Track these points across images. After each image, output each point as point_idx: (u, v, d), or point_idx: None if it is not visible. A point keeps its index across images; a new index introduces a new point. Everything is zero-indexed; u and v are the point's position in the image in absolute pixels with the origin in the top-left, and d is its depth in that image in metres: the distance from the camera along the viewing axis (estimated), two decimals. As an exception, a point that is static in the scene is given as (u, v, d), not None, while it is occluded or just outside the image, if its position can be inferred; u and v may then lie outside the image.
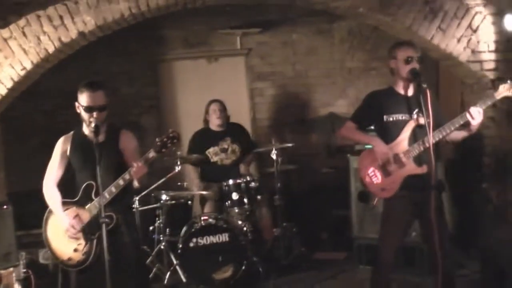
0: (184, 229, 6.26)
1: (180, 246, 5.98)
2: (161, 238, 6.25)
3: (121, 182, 4.20)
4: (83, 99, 4.28)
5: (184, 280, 5.99)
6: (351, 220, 6.37)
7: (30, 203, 5.84)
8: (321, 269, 6.34)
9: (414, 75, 4.46)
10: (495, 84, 5.91)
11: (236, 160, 6.75)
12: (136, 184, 4.34)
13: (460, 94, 6.76)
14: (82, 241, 4.30)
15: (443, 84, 7.00)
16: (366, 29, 7.99)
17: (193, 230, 6.00)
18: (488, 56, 6.07)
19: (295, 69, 8.05)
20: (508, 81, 4.42)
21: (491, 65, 6.08)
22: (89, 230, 4.28)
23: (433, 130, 4.37)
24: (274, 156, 6.29)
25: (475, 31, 6.03)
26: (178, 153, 6.18)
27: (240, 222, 6.29)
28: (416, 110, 4.51)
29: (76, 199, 4.34)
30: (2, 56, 5.71)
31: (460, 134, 4.53)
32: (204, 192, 6.47)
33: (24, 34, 5.68)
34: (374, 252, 4.95)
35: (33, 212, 5.74)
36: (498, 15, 6.01)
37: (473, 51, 6.05)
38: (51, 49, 5.72)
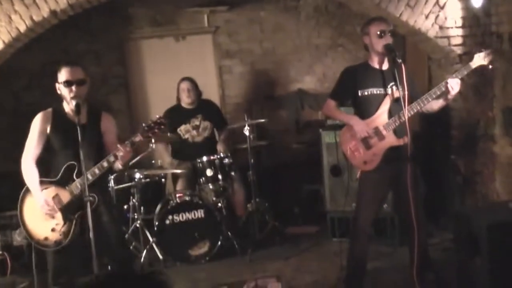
0: (159, 206, 6.30)
1: (156, 223, 6.03)
2: (136, 217, 6.26)
3: (105, 164, 4.23)
4: (62, 75, 4.29)
5: (160, 257, 6.03)
6: (324, 194, 6.46)
7: (0, 185, 5.81)
8: (295, 243, 6.46)
9: (388, 49, 4.56)
10: (462, 58, 6.12)
11: (207, 137, 6.78)
12: (119, 166, 4.34)
13: (427, 69, 6.90)
14: (61, 221, 4.29)
15: (410, 59, 7.12)
16: (332, 6, 8.05)
17: (168, 207, 6.06)
18: (455, 32, 6.21)
19: (263, 47, 8.06)
20: (483, 50, 4.59)
21: (458, 41, 6.22)
22: (68, 210, 4.27)
23: (409, 103, 4.50)
24: (247, 132, 6.32)
25: (442, 7, 6.15)
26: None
27: (214, 199, 6.36)
28: (391, 84, 4.62)
29: (57, 178, 4.31)
30: (-28, 36, 5.61)
31: (436, 104, 4.67)
32: (178, 171, 6.51)
33: (-6, 13, 5.59)
34: (351, 224, 5.07)
35: (4, 194, 5.71)
36: (465, -9, 6.16)
37: (440, 27, 6.18)
38: (22, 28, 5.64)
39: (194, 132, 6.72)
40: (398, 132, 4.57)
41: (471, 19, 6.21)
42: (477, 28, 6.23)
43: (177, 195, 6.20)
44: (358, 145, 4.64)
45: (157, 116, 4.33)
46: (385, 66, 4.71)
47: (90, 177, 4.18)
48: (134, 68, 7.89)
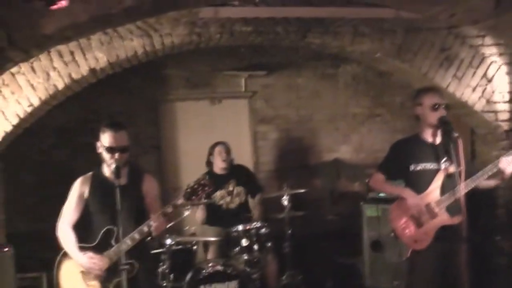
0: (190, 274, 6.02)
1: (187, 292, 5.76)
2: (165, 284, 5.98)
3: (145, 229, 4.05)
4: (105, 139, 4.13)
5: (190, 328, 5.73)
6: (363, 269, 6.21)
7: (25, 244, 5.62)
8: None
9: (444, 123, 4.38)
10: (509, 134, 5.92)
11: (241, 203, 6.58)
12: (154, 233, 4.17)
13: (469, 144, 6.69)
14: (98, 288, 4.09)
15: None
16: (371, 75, 7.96)
17: (200, 276, 5.78)
18: (503, 107, 6.07)
19: (299, 113, 7.94)
20: None
21: (506, 116, 6.08)
22: (107, 278, 4.07)
23: (465, 179, 4.29)
24: (285, 202, 6.12)
25: (490, 80, 6.02)
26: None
27: (248, 269, 6.10)
28: (445, 159, 4.41)
29: (94, 243, 4.13)
30: (8, 91, 5.51)
31: (491, 182, 4.45)
32: (210, 238, 6.27)
33: (32, 69, 5.50)
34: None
35: (29, 254, 5.52)
36: (513, 65, 6.02)
37: (487, 101, 6.03)
38: (60, 86, 5.56)
39: (228, 198, 6.51)
40: (451, 210, 4.35)
41: (520, 94, 6.06)
42: (525, 104, 6.07)
43: (210, 264, 5.93)
44: (409, 222, 4.42)
45: (201, 177, 4.15)
46: (438, 140, 4.51)
47: (129, 242, 4.00)
48: (167, 129, 7.75)
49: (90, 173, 4.33)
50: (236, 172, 6.62)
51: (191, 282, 5.85)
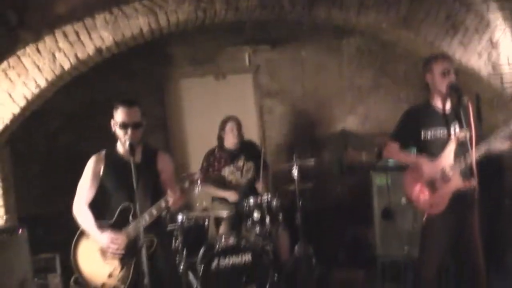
0: (203, 249, 6.07)
1: (202, 267, 5.79)
2: (179, 260, 6.04)
3: (162, 204, 4.07)
4: (118, 115, 4.14)
5: (206, 302, 5.79)
6: (374, 238, 6.26)
7: (36, 227, 5.65)
8: (344, 288, 6.22)
9: (454, 89, 4.40)
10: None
11: (250, 178, 6.61)
12: (171, 208, 4.20)
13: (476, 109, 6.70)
14: (118, 266, 4.12)
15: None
16: (375, 46, 7.95)
17: (214, 250, 5.83)
18: (508, 71, 6.05)
19: (304, 87, 7.95)
20: None
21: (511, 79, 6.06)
22: (126, 255, 4.10)
23: (476, 143, 4.31)
24: (295, 174, 6.15)
25: (495, 45, 6.01)
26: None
27: (260, 242, 6.15)
28: (455, 124, 4.44)
29: (111, 221, 4.15)
30: (15, 73, 5.48)
31: (504, 146, 4.46)
32: (222, 213, 6.31)
33: (38, 50, 5.45)
34: (415, 271, 4.86)
35: (41, 236, 5.55)
36: (518, 29, 6.02)
37: (493, 66, 6.03)
38: (66, 66, 5.52)
39: (238, 174, 6.54)
40: (465, 174, 4.38)
41: (525, 58, 6.07)
42: (531, 66, 6.09)
43: (223, 238, 5.98)
44: (424, 188, 4.45)
45: (216, 150, 4.17)
46: (448, 106, 4.53)
47: (147, 218, 4.03)
48: (173, 108, 7.76)
49: (103, 151, 4.33)
50: (246, 148, 6.63)
51: (204, 256, 5.90)
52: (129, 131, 4.09)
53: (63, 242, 6.35)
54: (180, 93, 7.82)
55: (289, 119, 7.93)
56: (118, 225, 4.14)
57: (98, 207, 4.31)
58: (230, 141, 6.52)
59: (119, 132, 4.15)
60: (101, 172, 4.24)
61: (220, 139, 6.61)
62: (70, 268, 5.93)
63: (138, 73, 7.51)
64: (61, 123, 7.36)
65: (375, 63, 8.02)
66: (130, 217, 4.10)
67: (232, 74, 7.89)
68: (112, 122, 4.19)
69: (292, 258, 6.37)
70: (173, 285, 4.37)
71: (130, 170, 3.89)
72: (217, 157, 4.12)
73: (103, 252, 4.17)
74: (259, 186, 6.55)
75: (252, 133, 7.48)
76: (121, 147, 4.22)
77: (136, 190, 3.84)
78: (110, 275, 4.13)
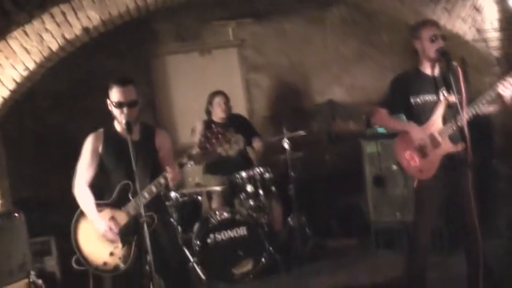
0: (197, 225, 6.14)
1: (197, 243, 5.86)
2: (175, 236, 6.09)
3: (162, 180, 4.08)
4: (113, 95, 4.13)
5: (203, 277, 5.86)
6: (367, 205, 6.34)
7: (29, 210, 5.66)
8: (339, 257, 6.32)
9: (442, 54, 4.43)
10: (499, 61, 6.01)
11: (240, 150, 6.65)
12: (170, 184, 4.21)
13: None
14: (119, 244, 4.14)
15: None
16: (358, 17, 7.96)
17: (210, 225, 5.89)
18: (493, 35, 6.12)
19: (290, 59, 7.97)
20: None
21: (496, 43, 6.13)
22: (126, 233, 4.11)
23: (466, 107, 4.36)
24: (286, 145, 6.21)
25: (479, 10, 6.06)
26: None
27: (255, 215, 6.22)
28: (444, 89, 4.49)
29: (111, 200, 4.16)
30: (2, 56, 5.44)
31: (492, 108, 4.52)
32: (216, 187, 6.35)
33: (25, 32, 5.41)
34: (409, 235, 4.94)
35: (35, 219, 5.56)
36: (501, -6, 6.08)
37: (478, 30, 6.09)
38: (54, 47, 5.51)
39: (227, 146, 6.55)
40: (454, 138, 4.43)
41: (508, 21, 6.11)
42: (514, 30, 6.16)
43: (218, 213, 6.04)
44: (414, 154, 4.50)
45: (214, 126, 4.18)
46: (436, 71, 4.57)
47: (147, 195, 4.04)
48: (160, 86, 7.77)
49: (101, 129, 4.30)
50: (234, 121, 6.67)
51: (200, 232, 5.97)
52: (125, 110, 4.07)
53: (58, 224, 6.40)
54: (167, 70, 7.82)
55: (276, 91, 7.96)
56: (118, 203, 4.13)
57: (97, 187, 4.30)
58: (218, 115, 6.57)
59: (115, 111, 4.13)
60: (100, 150, 4.21)
61: (208, 112, 6.67)
62: (65, 251, 6.02)
63: (124, 51, 7.50)
64: (50, 104, 7.36)
65: (359, 32, 8.04)
66: (130, 195, 4.10)
67: (217, 49, 7.89)
68: (108, 101, 4.18)
69: (286, 229, 6.44)
70: (176, 261, 4.37)
71: (129, 148, 3.89)
72: (214, 132, 4.10)
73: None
74: (256, 144, 6.62)
75: (239, 107, 7.50)
76: (119, 125, 4.22)
77: (135, 168, 3.85)
78: (111, 254, 4.13)
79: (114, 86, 4.12)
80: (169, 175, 4.01)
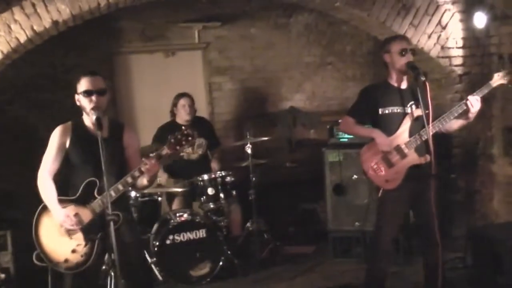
0: (156, 226, 6.10)
1: (156, 243, 5.81)
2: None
3: (129, 179, 4.00)
4: (82, 85, 4.03)
5: (160, 278, 5.81)
6: (325, 213, 6.39)
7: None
8: (295, 263, 6.33)
9: (411, 68, 4.52)
10: (462, 79, 6.18)
11: (202, 154, 6.66)
12: (144, 182, 4.13)
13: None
14: (82, 242, 4.05)
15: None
16: (322, 25, 8.09)
17: (170, 226, 5.85)
18: (456, 52, 6.31)
19: (254, 63, 8.02)
20: (501, 70, 4.62)
21: (459, 61, 6.35)
22: (90, 230, 4.05)
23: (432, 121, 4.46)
24: (249, 150, 6.24)
25: (444, 27, 6.24)
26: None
27: (214, 218, 6.22)
28: (411, 103, 4.58)
29: (76, 196, 4.08)
30: (-31, 45, 5.33)
31: (456, 123, 4.65)
32: (177, 189, 6.33)
33: (-7, 22, 5.34)
34: (371, 243, 5.02)
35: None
36: (466, 13, 6.26)
37: (442, 47, 6.27)
38: (22, 39, 5.39)
39: (190, 150, 6.55)
40: (419, 150, 4.52)
41: (472, 40, 6.32)
42: (477, 49, 6.34)
43: (178, 214, 6.01)
44: (380, 164, 4.57)
45: (184, 127, 4.14)
46: (404, 85, 4.66)
47: (113, 194, 3.97)
48: (122, 83, 7.70)
49: (69, 122, 4.20)
50: (198, 124, 6.64)
51: (159, 232, 5.93)
52: (93, 97, 3.99)
53: (15, 219, 6.28)
54: (130, 68, 7.77)
55: (238, 95, 7.98)
56: (83, 200, 4.04)
57: (62, 183, 4.23)
58: (183, 117, 6.54)
59: (83, 101, 4.03)
60: (67, 144, 4.13)
61: (173, 114, 6.64)
62: (21, 246, 5.90)
63: (87, 46, 7.40)
64: (10, 96, 7.19)
65: (323, 41, 8.14)
66: (95, 192, 4.04)
67: (182, 51, 7.87)
68: (76, 96, 4.09)
69: (244, 234, 6.46)
70: (139, 259, 4.34)
71: (96, 144, 3.80)
72: (185, 134, 4.07)
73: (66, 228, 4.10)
74: (214, 165, 6.63)
75: (201, 110, 7.48)
76: (87, 119, 4.14)
77: (104, 164, 3.79)
78: (73, 251, 4.06)
79: (82, 78, 4.05)
80: (145, 166, 3.94)
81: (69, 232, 4.07)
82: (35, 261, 4.14)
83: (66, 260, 4.08)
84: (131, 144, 4.27)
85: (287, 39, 8.08)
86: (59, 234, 4.07)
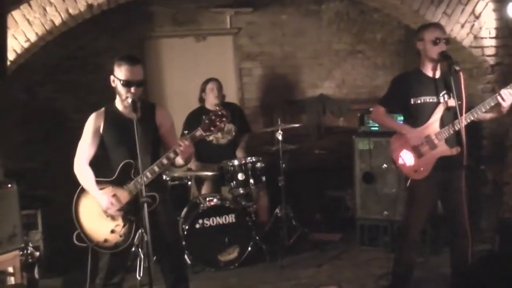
0: (186, 210, 6.16)
1: (186, 227, 5.87)
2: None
3: (164, 161, 4.05)
4: (121, 72, 4.04)
5: (189, 262, 5.87)
6: (354, 201, 6.42)
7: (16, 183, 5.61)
8: (323, 250, 6.37)
9: (445, 57, 4.49)
10: (494, 69, 6.12)
11: (231, 139, 6.70)
12: (180, 161, 4.16)
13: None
14: (121, 222, 4.12)
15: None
16: (353, 12, 8.07)
17: (199, 211, 5.91)
18: (489, 42, 6.25)
19: (284, 50, 8.03)
20: None
21: (492, 51, 6.27)
22: (128, 211, 4.12)
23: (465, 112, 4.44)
24: (280, 137, 6.25)
25: (477, 17, 6.18)
26: (185, 132, 5.99)
27: (243, 203, 6.26)
28: (444, 92, 4.56)
29: (113, 178, 4.14)
30: (5, 26, 5.40)
31: (488, 115, 4.62)
32: (206, 173, 6.38)
33: (29, 4, 5.38)
34: (400, 232, 5.03)
35: (21, 192, 5.51)
36: (499, 2, 6.19)
37: (475, 37, 6.20)
38: (57, 21, 5.46)
39: (219, 134, 6.59)
40: (450, 141, 4.51)
41: (505, 30, 6.26)
42: (510, 39, 6.29)
43: (208, 199, 6.07)
44: (409, 153, 4.56)
45: (218, 108, 4.16)
46: (438, 74, 4.64)
47: (149, 175, 4.03)
48: (152, 67, 7.74)
49: (103, 108, 4.25)
50: (228, 109, 6.65)
51: (189, 217, 5.99)
52: (132, 89, 4.04)
53: (44, 198, 6.38)
54: (160, 52, 7.80)
55: (268, 82, 8.00)
56: (119, 182, 4.11)
57: (99, 165, 4.30)
58: (211, 102, 6.57)
59: (121, 89, 4.07)
60: (101, 129, 4.19)
61: (202, 100, 6.67)
62: (51, 225, 6.00)
63: (118, 30, 7.45)
64: (41, 77, 7.28)
65: (353, 28, 8.13)
66: (132, 174, 4.10)
67: (213, 36, 7.89)
68: (112, 77, 4.12)
69: (272, 220, 6.50)
70: (174, 239, 4.39)
71: (130, 126, 3.86)
72: (219, 114, 4.08)
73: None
74: (239, 154, 6.71)
75: (231, 95, 7.53)
76: (120, 103, 4.19)
77: (138, 145, 3.84)
78: (112, 231, 4.13)
79: (123, 64, 4.04)
80: (180, 148, 3.96)
81: (108, 214, 4.14)
82: (75, 241, 4.21)
83: (105, 240, 4.15)
84: (163, 123, 4.30)
85: (317, 26, 8.08)
86: (98, 215, 4.14)
